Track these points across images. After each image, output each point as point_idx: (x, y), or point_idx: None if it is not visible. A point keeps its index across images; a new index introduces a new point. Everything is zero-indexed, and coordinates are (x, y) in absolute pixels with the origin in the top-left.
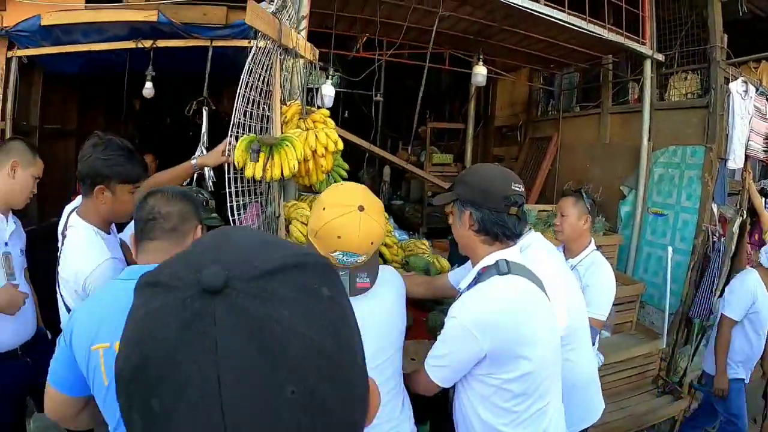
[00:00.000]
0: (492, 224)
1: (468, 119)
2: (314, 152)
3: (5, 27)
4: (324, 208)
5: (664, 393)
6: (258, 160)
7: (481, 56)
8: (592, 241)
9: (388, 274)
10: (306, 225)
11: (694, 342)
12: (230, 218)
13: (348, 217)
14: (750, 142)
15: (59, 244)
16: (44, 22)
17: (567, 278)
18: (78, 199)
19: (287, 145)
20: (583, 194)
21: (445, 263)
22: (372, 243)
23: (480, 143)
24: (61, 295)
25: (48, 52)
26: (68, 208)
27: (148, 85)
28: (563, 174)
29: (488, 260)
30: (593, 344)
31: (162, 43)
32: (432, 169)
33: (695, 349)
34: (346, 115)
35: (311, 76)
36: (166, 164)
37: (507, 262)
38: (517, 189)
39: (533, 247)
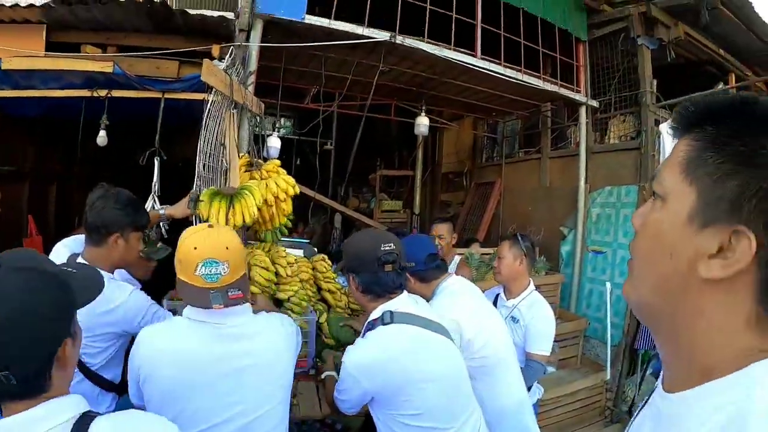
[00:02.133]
0: (372, 284)
1: (416, 166)
2: (276, 198)
3: None
4: (180, 241)
5: (612, 423)
6: (196, 209)
7: (424, 107)
8: (531, 282)
9: (277, 322)
10: (265, 269)
11: (640, 371)
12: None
13: (199, 233)
14: None
15: None
16: (4, 66)
17: (488, 314)
18: (65, 244)
19: (246, 194)
20: (519, 238)
21: None
22: (227, 248)
23: (428, 189)
24: None
25: (6, 95)
26: (60, 254)
27: (102, 133)
28: (507, 217)
29: (376, 314)
30: (543, 374)
31: (117, 93)
32: (381, 216)
33: (642, 378)
34: (298, 162)
35: (258, 128)
36: None
37: (391, 313)
38: (387, 248)
39: (449, 289)
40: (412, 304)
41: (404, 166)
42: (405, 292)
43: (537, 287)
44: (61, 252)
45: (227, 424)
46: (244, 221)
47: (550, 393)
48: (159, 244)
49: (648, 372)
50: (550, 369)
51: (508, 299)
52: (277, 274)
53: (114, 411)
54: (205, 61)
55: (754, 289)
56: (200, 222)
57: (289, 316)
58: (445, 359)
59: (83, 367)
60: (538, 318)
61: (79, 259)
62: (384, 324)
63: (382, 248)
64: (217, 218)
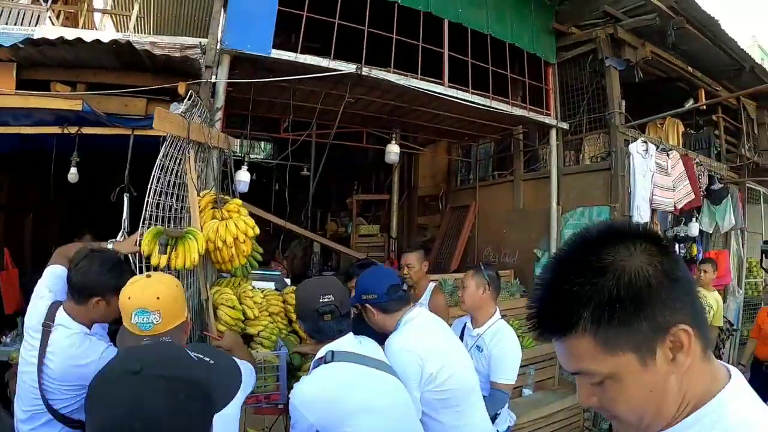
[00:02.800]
0: (314, 332)
1: (393, 190)
2: (236, 239)
3: None
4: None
5: None
6: (165, 253)
7: (395, 134)
8: (497, 311)
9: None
10: (232, 308)
11: None
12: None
13: (135, 284)
14: (654, 197)
15: (37, 335)
16: None
17: (454, 347)
18: (47, 285)
19: (191, 239)
20: (482, 267)
21: None
22: (158, 298)
23: (405, 213)
24: (42, 387)
25: None
26: (42, 296)
27: (73, 170)
28: (482, 240)
29: (320, 353)
30: (504, 406)
31: (87, 131)
32: (359, 241)
33: None
34: (277, 187)
35: (226, 163)
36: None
37: (333, 352)
38: (325, 300)
39: (412, 323)
40: (356, 344)
41: (381, 190)
42: (350, 334)
43: (503, 315)
44: (45, 295)
45: None
46: (185, 265)
47: (527, 416)
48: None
49: None
50: (527, 392)
51: (474, 328)
52: (244, 313)
53: None
54: (157, 109)
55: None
56: (146, 260)
57: (258, 350)
58: (384, 393)
59: (53, 410)
60: (501, 346)
61: (60, 311)
62: (326, 362)
63: (320, 300)
64: (160, 258)
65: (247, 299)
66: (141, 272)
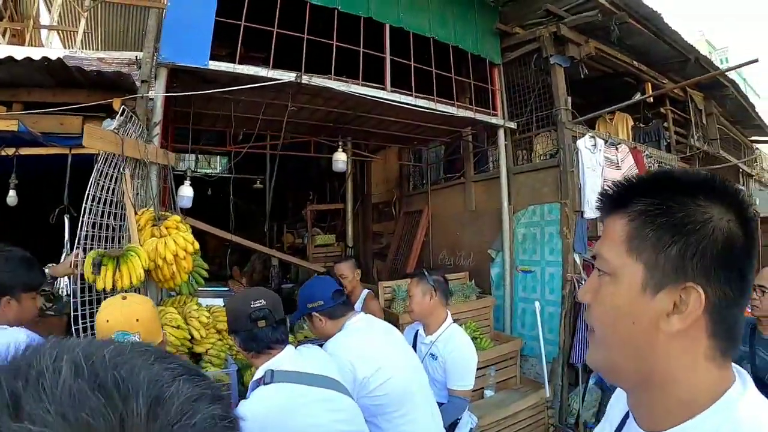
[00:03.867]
0: (249, 341)
1: (347, 199)
2: (176, 256)
3: None
4: (98, 311)
5: None
6: (100, 273)
7: (342, 141)
8: (449, 315)
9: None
10: (177, 328)
11: (582, 383)
12: (73, 327)
13: (112, 305)
14: None
15: None
16: None
17: (394, 350)
18: None
19: (132, 255)
20: (426, 273)
21: None
22: (138, 320)
23: (360, 221)
24: None
25: None
26: None
27: (12, 193)
28: (437, 244)
29: (258, 373)
30: (463, 412)
31: (24, 151)
32: (315, 251)
33: (585, 390)
34: (232, 201)
35: (167, 178)
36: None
37: (272, 372)
38: (257, 305)
39: (350, 328)
40: (297, 359)
41: (335, 199)
42: (288, 346)
43: (455, 320)
44: None
45: None
46: (131, 283)
47: (490, 417)
48: (65, 299)
49: (591, 382)
50: (489, 393)
51: (426, 335)
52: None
53: None
54: (86, 126)
55: (706, 327)
56: (82, 282)
57: (208, 369)
58: (327, 412)
59: None
60: (455, 353)
61: None
62: (265, 384)
63: (252, 305)
64: (104, 281)
65: (193, 320)
66: (75, 296)
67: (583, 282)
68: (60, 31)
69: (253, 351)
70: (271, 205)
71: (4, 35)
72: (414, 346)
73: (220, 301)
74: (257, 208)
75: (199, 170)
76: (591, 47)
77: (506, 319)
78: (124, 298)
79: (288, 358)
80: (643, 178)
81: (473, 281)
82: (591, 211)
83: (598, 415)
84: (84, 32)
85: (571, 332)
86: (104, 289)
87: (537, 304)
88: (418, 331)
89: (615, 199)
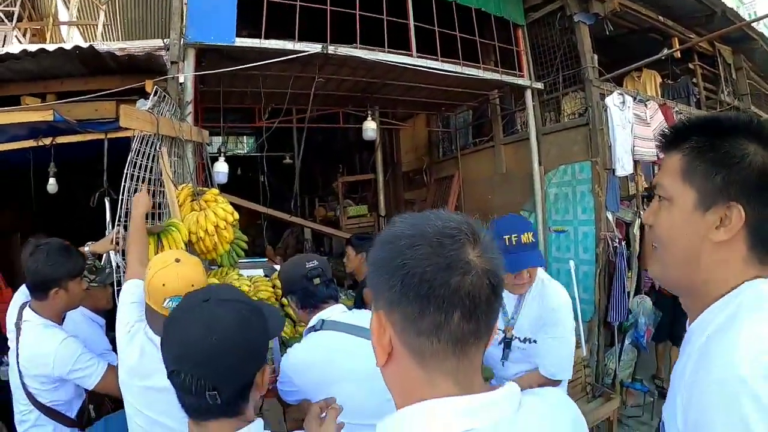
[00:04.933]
0: (306, 298)
1: (377, 169)
2: (216, 227)
3: None
4: (149, 269)
5: (595, 397)
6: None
7: (371, 110)
8: None
9: None
10: None
11: (618, 343)
12: (117, 299)
13: (167, 269)
14: (636, 148)
15: (13, 336)
16: None
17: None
18: (23, 291)
19: (173, 230)
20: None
21: None
22: (193, 285)
23: (391, 190)
24: (23, 383)
25: None
26: (17, 301)
27: (51, 181)
28: (468, 208)
29: (312, 322)
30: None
31: (61, 140)
32: (348, 222)
33: (621, 350)
34: (263, 179)
35: (203, 155)
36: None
37: (322, 321)
38: (311, 265)
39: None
40: (347, 313)
41: (365, 170)
42: (339, 304)
43: None
44: (19, 299)
45: None
46: None
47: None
48: (107, 269)
49: (627, 342)
50: None
51: None
52: None
53: None
54: (122, 107)
55: (745, 239)
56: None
57: None
58: (366, 360)
59: (39, 404)
60: None
61: (26, 309)
62: (315, 330)
63: (306, 266)
64: (148, 257)
65: None
66: (118, 272)
67: (616, 240)
68: (80, 26)
69: (309, 307)
70: (302, 179)
71: (24, 35)
72: None
73: (260, 272)
74: (287, 183)
75: (227, 151)
76: (615, 3)
77: None
78: (178, 260)
79: (338, 311)
80: (694, 121)
81: None
82: (622, 168)
83: (634, 374)
84: (104, 25)
85: (606, 291)
86: None
87: (571, 263)
88: None
89: (671, 140)
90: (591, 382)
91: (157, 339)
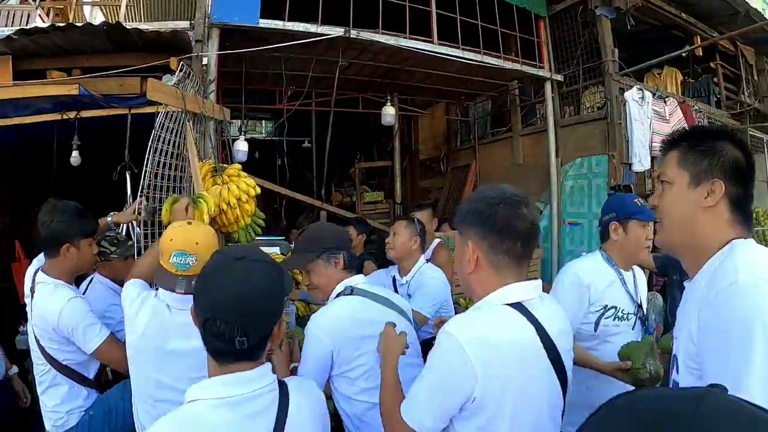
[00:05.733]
0: (351, 259)
1: (394, 156)
2: (239, 200)
3: None
4: (164, 231)
5: None
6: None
7: (390, 97)
8: (422, 258)
9: None
10: None
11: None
12: None
13: (178, 228)
14: (654, 144)
15: (29, 300)
16: None
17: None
18: (39, 258)
19: (201, 202)
20: (415, 220)
21: None
22: (197, 243)
23: (407, 178)
24: (38, 342)
25: None
26: (31, 269)
27: (75, 153)
28: None
29: (339, 288)
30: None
31: (85, 114)
32: (364, 208)
33: None
34: (280, 163)
35: (224, 133)
36: None
37: (351, 287)
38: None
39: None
40: (367, 283)
41: (382, 156)
42: (360, 275)
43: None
44: (34, 266)
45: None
46: None
47: None
48: (129, 242)
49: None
50: None
51: (402, 277)
52: None
53: (94, 406)
54: (150, 80)
55: (727, 206)
56: (146, 228)
57: None
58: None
59: (55, 362)
60: (423, 285)
61: (39, 273)
62: (345, 295)
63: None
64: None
65: None
66: (139, 241)
67: None
68: (102, 6)
69: (350, 269)
70: (319, 164)
71: (48, 15)
72: (395, 291)
73: (276, 249)
74: (305, 168)
75: (247, 131)
76: None
77: (553, 272)
78: (190, 223)
79: (361, 280)
80: (687, 130)
81: None
82: (639, 163)
83: None
84: (126, 6)
85: None
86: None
87: (583, 255)
88: (395, 276)
89: (671, 141)
90: None
91: (172, 299)
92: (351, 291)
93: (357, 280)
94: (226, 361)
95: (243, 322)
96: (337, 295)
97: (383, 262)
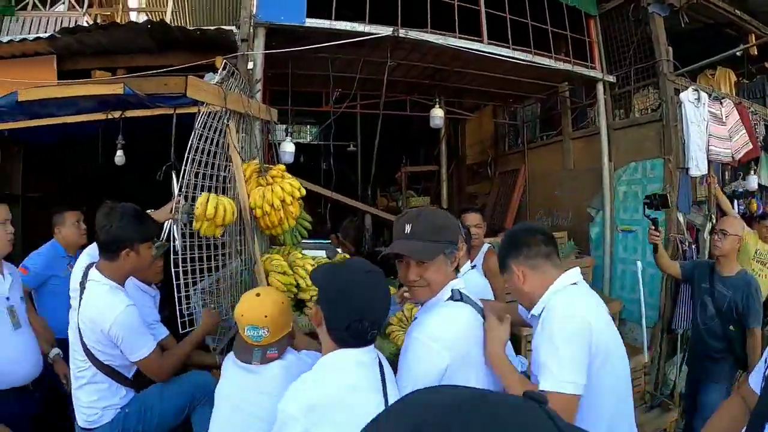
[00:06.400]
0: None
1: (441, 160)
2: (283, 201)
3: None
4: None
5: (652, 407)
6: (190, 219)
7: (438, 99)
8: (468, 264)
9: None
10: (283, 274)
11: (680, 352)
12: (173, 269)
13: (248, 302)
14: (711, 147)
15: (77, 294)
16: (20, 97)
17: None
18: (88, 253)
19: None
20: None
21: None
22: (266, 316)
23: (454, 182)
24: (82, 339)
25: (25, 126)
26: (81, 263)
27: (119, 153)
28: (533, 204)
29: (447, 292)
30: None
31: (130, 113)
32: None
33: (683, 359)
34: (325, 167)
35: (270, 135)
36: None
37: (460, 293)
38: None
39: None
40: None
41: (428, 161)
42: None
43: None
44: (84, 261)
45: None
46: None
47: None
48: (157, 242)
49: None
50: None
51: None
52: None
53: (130, 404)
54: (189, 78)
55: None
56: (184, 228)
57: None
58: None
59: (98, 362)
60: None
61: (92, 269)
62: (454, 300)
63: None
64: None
65: (299, 268)
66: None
67: (686, 243)
68: (148, 12)
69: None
70: (364, 168)
71: (95, 21)
72: None
73: (322, 253)
74: (350, 171)
75: (293, 133)
76: None
77: (605, 281)
78: (258, 294)
79: (462, 284)
80: None
81: (572, 240)
82: (696, 168)
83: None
84: (172, 12)
85: (672, 297)
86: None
87: (639, 264)
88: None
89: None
90: (650, 391)
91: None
92: (460, 297)
93: (461, 284)
94: (346, 346)
95: (378, 320)
96: (446, 299)
97: None
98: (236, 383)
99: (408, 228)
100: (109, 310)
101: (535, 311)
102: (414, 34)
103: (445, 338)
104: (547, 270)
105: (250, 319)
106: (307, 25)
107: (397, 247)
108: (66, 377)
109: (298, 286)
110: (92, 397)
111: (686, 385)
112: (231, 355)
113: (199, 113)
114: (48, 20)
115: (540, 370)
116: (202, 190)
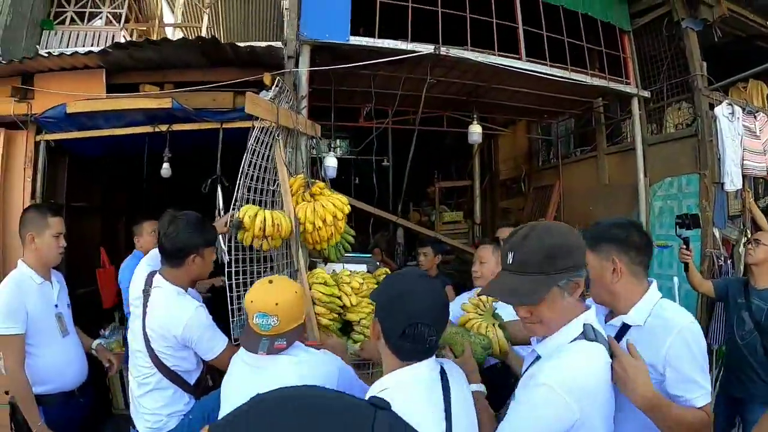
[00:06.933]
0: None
1: (474, 175)
2: (335, 217)
3: (34, 114)
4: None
5: None
6: (237, 232)
7: (476, 115)
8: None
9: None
10: (324, 284)
11: (715, 368)
12: (225, 281)
13: (259, 288)
14: (746, 162)
15: (139, 303)
16: (69, 110)
17: None
18: (147, 263)
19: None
20: (501, 243)
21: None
22: (277, 304)
23: (487, 198)
24: (149, 345)
25: (73, 137)
26: (142, 271)
27: (165, 165)
28: (568, 219)
29: (576, 326)
30: None
31: (177, 127)
32: (443, 228)
33: (717, 376)
34: (357, 181)
35: (314, 149)
36: None
37: (593, 329)
38: None
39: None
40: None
41: (461, 176)
42: None
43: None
44: (143, 269)
45: None
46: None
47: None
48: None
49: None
50: None
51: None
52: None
53: (193, 411)
54: (248, 94)
55: None
56: (235, 241)
57: (360, 339)
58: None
59: (165, 368)
60: (509, 312)
61: (157, 276)
62: (589, 340)
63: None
64: (242, 235)
65: (345, 286)
66: (229, 253)
67: (722, 258)
68: (184, 28)
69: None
70: (397, 183)
71: (131, 36)
72: None
73: (363, 267)
74: (383, 186)
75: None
76: (724, 8)
77: None
78: (271, 282)
79: (594, 316)
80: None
81: None
82: (731, 183)
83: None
84: (207, 28)
85: (708, 312)
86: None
87: (675, 280)
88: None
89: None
90: None
91: (253, 360)
92: (594, 336)
93: (592, 315)
94: (408, 358)
95: (437, 325)
96: (576, 336)
97: (458, 281)
98: (242, 380)
99: (510, 257)
100: (180, 314)
101: (631, 320)
102: (455, 51)
103: (579, 390)
104: (642, 280)
105: (259, 305)
106: (351, 42)
107: (494, 290)
108: (110, 361)
109: (343, 305)
110: (158, 404)
111: (720, 403)
112: (241, 351)
113: (253, 128)
114: (86, 34)
115: (690, 386)
116: (251, 204)
